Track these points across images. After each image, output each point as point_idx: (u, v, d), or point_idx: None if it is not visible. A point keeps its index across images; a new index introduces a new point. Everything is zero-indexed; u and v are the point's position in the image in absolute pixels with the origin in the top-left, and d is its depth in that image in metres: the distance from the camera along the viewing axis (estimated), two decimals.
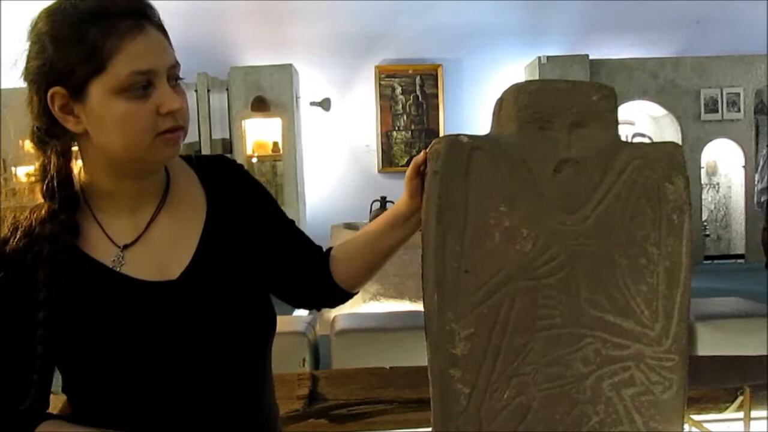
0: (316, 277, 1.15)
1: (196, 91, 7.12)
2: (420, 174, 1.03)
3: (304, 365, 2.98)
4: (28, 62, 0.94)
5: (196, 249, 1.01)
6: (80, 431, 0.94)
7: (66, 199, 0.96)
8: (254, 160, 7.19)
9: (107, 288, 0.96)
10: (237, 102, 7.11)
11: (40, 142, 0.96)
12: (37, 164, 0.97)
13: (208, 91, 7.19)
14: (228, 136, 7.32)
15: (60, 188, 0.95)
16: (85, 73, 0.90)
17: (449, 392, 0.91)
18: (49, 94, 0.92)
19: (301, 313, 5.66)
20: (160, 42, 0.94)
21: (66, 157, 0.96)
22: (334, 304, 1.21)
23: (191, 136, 7.00)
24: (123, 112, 0.90)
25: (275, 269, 1.12)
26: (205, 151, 6.77)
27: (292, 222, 1.17)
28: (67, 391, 0.98)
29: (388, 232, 1.12)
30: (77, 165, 0.99)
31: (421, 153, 1.05)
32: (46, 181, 0.95)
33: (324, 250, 1.18)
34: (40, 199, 0.97)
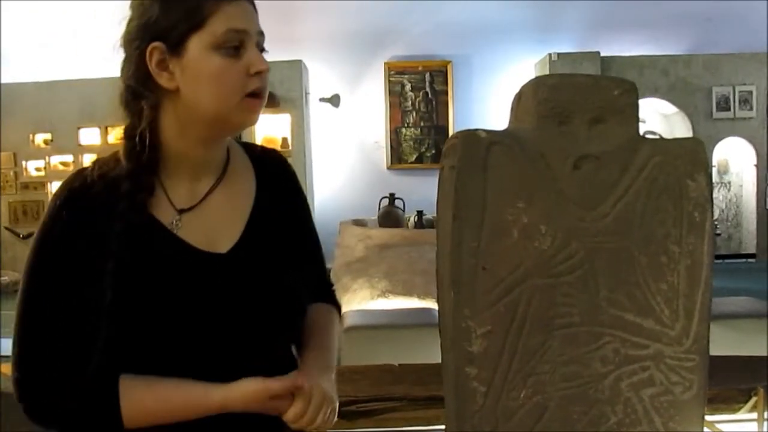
0: (299, 310, 1.14)
1: None
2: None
3: None
4: (129, 24, 1.02)
5: (245, 228, 1.08)
6: (158, 381, 0.98)
7: (149, 161, 1.02)
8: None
9: (165, 248, 1.02)
10: None
11: (132, 99, 1.03)
12: (126, 123, 1.04)
13: None
14: None
15: (147, 148, 1.01)
16: (186, 28, 0.98)
17: (465, 390, 0.90)
18: (148, 50, 0.99)
19: None
20: (250, 8, 1.04)
21: (155, 116, 1.02)
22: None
23: None
24: (218, 67, 0.99)
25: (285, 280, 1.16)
26: None
27: (317, 245, 1.24)
28: (109, 351, 1.01)
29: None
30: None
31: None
32: (133, 138, 1.02)
33: (330, 287, 1.27)
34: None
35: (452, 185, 0.90)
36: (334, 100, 7.70)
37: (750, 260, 7.81)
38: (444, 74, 7.66)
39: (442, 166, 0.96)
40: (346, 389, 1.86)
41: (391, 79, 7.70)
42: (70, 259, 0.98)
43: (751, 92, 7.50)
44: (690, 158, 0.93)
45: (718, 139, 7.52)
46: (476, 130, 0.92)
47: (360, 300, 4.23)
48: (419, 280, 4.20)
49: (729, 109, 7.50)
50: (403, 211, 6.17)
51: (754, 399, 1.68)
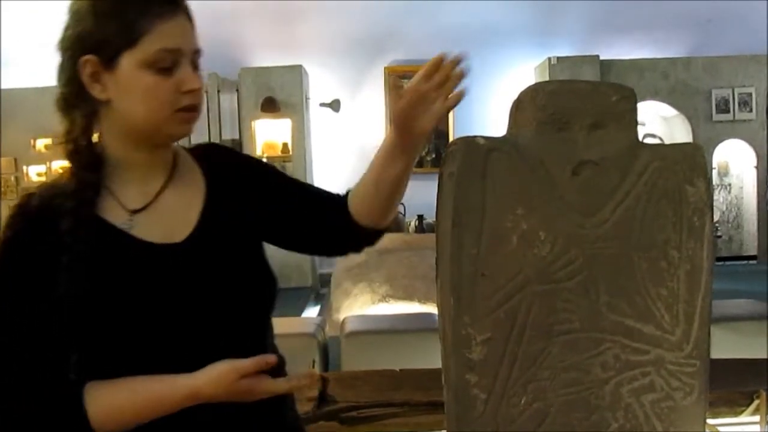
0: (337, 222, 1.18)
1: (206, 91, 7.13)
2: (398, 98, 1.08)
3: (313, 367, 2.97)
4: (65, 31, 1.03)
5: (200, 216, 1.08)
6: (124, 381, 0.97)
7: (89, 160, 1.03)
8: (263, 160, 7.19)
9: (117, 248, 1.02)
10: (247, 103, 7.12)
11: (66, 107, 1.04)
12: (62, 128, 1.05)
13: (219, 91, 7.20)
14: (238, 137, 7.33)
15: (85, 149, 1.03)
16: (119, 45, 0.99)
17: (465, 397, 0.90)
18: (81, 62, 1.00)
19: (310, 314, 5.67)
20: (187, 26, 1.04)
21: (89, 122, 1.04)
22: (363, 245, 1.24)
23: (201, 137, 7.01)
24: (148, 84, 1.00)
25: (294, 226, 1.19)
26: None
27: (296, 180, 1.24)
28: (71, 355, 1.00)
29: (388, 165, 1.14)
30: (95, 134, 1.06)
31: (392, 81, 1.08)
32: (71, 144, 1.03)
33: (344, 194, 1.22)
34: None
35: (451, 192, 0.90)
36: (335, 105, 7.70)
37: (751, 262, 7.80)
38: None
39: (441, 172, 0.96)
40: (347, 394, 1.85)
41: (391, 83, 7.70)
42: (25, 266, 0.98)
43: (750, 94, 7.50)
44: (689, 163, 0.94)
45: (718, 142, 7.52)
46: (475, 136, 0.93)
47: (361, 305, 4.23)
48: (420, 284, 4.20)
49: (729, 111, 7.50)
50: (404, 215, 6.18)
51: (756, 402, 1.68)
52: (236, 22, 7.06)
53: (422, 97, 1.06)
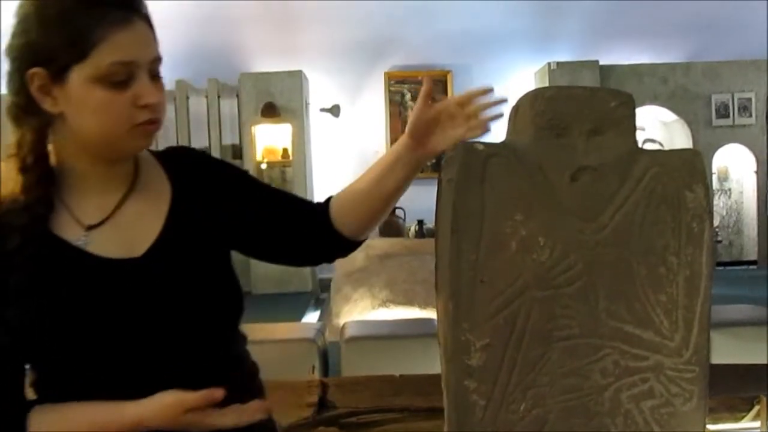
0: (315, 230, 1.13)
1: (206, 96, 7.15)
2: (426, 107, 1.05)
3: (313, 372, 2.96)
4: (12, 38, 0.95)
5: (162, 228, 1.02)
6: (70, 406, 0.94)
7: (40, 174, 0.97)
8: (263, 165, 7.19)
9: (71, 265, 0.96)
10: (247, 108, 7.12)
11: (17, 118, 0.97)
12: (13, 140, 0.98)
13: (219, 96, 7.21)
14: (238, 142, 7.33)
15: (35, 164, 0.96)
16: (68, 58, 0.91)
17: (464, 404, 0.90)
18: (28, 74, 0.93)
19: (310, 319, 5.66)
20: (145, 35, 0.96)
21: (41, 135, 0.97)
22: (340, 255, 1.19)
23: (201, 142, 7.02)
24: (101, 100, 0.92)
25: (266, 234, 1.12)
26: (215, 156, 6.77)
27: (270, 187, 1.16)
28: (33, 373, 0.99)
29: (386, 176, 1.11)
30: (50, 145, 1.00)
31: (426, 83, 1.05)
32: (22, 157, 0.96)
33: (324, 201, 1.16)
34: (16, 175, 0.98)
35: (450, 198, 0.90)
36: (335, 110, 7.71)
37: (751, 267, 7.79)
38: (444, 84, 7.67)
39: (440, 178, 0.96)
40: (347, 400, 1.85)
41: (391, 88, 7.70)
42: None
43: (750, 99, 7.50)
44: (688, 169, 0.94)
45: (718, 146, 7.51)
46: (474, 142, 0.93)
47: (361, 310, 4.23)
48: (420, 289, 4.20)
49: (728, 116, 7.50)
50: (404, 220, 6.18)
51: (756, 408, 1.67)
52: (236, 28, 7.07)
53: (450, 117, 1.06)
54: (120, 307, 0.96)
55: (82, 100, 0.93)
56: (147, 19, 0.96)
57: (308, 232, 1.13)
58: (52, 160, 0.99)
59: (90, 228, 0.99)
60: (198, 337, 1.01)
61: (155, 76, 0.97)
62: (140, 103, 0.94)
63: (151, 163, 1.08)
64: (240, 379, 1.06)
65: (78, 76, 0.92)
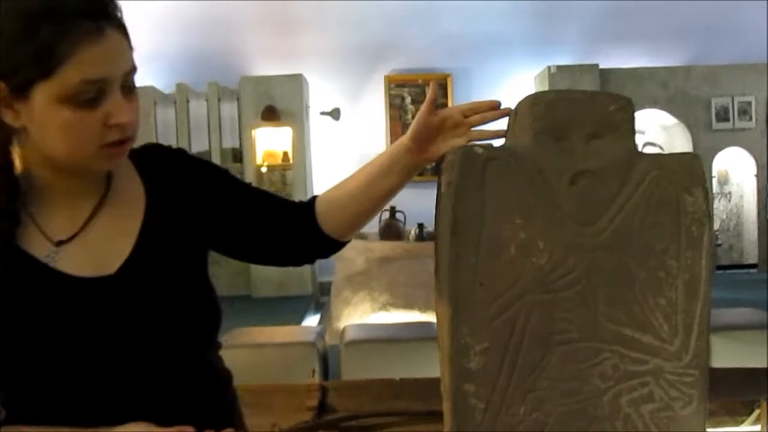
0: (297, 230, 1.10)
1: (206, 100, 7.16)
2: (431, 113, 1.03)
3: (313, 376, 2.96)
4: None
5: (135, 244, 0.97)
6: (40, 430, 0.90)
7: (3, 185, 0.91)
8: (264, 169, 7.20)
9: (38, 283, 0.91)
10: (247, 111, 7.13)
11: None
12: None
13: (219, 100, 7.22)
14: (238, 146, 7.34)
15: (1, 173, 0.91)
16: (31, 75, 0.84)
17: (464, 407, 0.90)
18: None
19: (311, 323, 5.66)
20: (117, 47, 0.88)
21: (5, 146, 0.91)
22: (324, 255, 1.15)
23: (201, 145, 7.03)
24: (67, 120, 0.85)
25: (246, 234, 1.09)
26: (215, 160, 6.78)
27: (251, 186, 1.12)
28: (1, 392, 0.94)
29: (381, 178, 1.08)
30: (16, 155, 0.94)
31: (432, 89, 1.04)
32: None
33: (308, 200, 1.13)
34: None
35: (450, 202, 0.90)
36: (335, 114, 7.71)
37: (751, 270, 7.79)
38: (444, 87, 7.68)
39: (440, 181, 0.96)
40: (347, 403, 1.85)
41: (391, 92, 7.71)
42: None
43: (750, 103, 7.51)
44: (687, 173, 0.94)
45: (718, 150, 7.52)
46: (473, 146, 0.93)
47: (361, 313, 4.23)
48: (420, 293, 4.20)
49: (728, 120, 7.51)
50: (404, 224, 6.17)
51: (757, 411, 1.67)
52: (237, 32, 7.08)
53: (454, 126, 1.06)
54: (90, 327, 0.92)
55: (46, 119, 0.86)
56: (121, 26, 0.89)
57: (290, 232, 1.10)
58: (18, 167, 0.93)
59: (59, 243, 0.94)
60: (172, 355, 0.97)
61: (129, 88, 0.90)
62: (111, 122, 0.87)
63: (125, 166, 1.02)
64: (212, 388, 1.05)
65: (42, 93, 0.84)
